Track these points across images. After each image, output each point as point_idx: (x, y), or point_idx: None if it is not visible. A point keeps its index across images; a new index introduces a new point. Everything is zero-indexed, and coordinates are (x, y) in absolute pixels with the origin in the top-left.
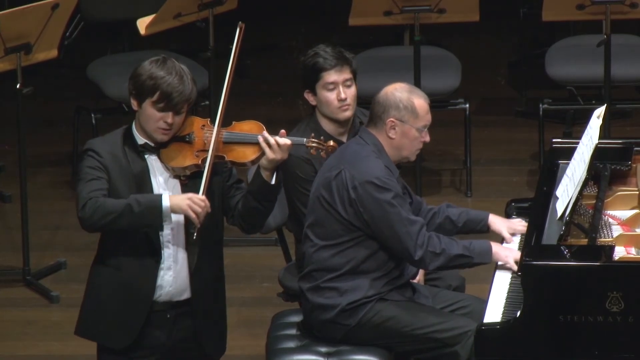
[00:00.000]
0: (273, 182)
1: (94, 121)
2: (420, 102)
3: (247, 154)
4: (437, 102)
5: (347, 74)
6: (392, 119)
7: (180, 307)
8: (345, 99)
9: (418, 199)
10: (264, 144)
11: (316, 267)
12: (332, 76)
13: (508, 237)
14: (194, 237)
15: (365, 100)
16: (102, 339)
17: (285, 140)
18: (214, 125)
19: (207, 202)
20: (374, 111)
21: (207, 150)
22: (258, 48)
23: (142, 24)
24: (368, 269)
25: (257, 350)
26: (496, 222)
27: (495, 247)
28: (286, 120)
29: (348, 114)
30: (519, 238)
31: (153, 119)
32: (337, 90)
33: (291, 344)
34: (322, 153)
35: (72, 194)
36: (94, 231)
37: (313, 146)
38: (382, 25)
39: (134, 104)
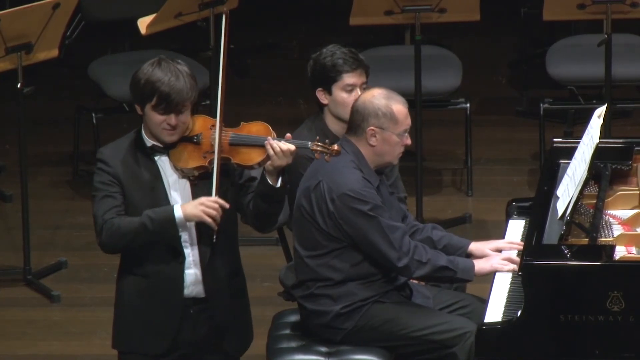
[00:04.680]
0: (278, 185)
1: (94, 121)
2: (398, 107)
3: (253, 157)
4: (437, 102)
5: (364, 78)
6: (372, 128)
7: (202, 303)
8: None
9: (403, 208)
10: (270, 150)
11: (306, 277)
12: (352, 78)
13: (505, 246)
14: (215, 239)
15: None
16: (141, 347)
17: (289, 146)
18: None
19: (219, 201)
20: (353, 119)
21: (214, 152)
22: (258, 48)
23: (143, 23)
24: (358, 276)
25: (258, 350)
26: (478, 246)
27: (477, 263)
28: (287, 119)
29: None
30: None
31: (156, 122)
32: (355, 93)
33: (292, 344)
34: (326, 157)
35: (73, 194)
36: (115, 253)
37: (318, 150)
38: (383, 24)
39: (137, 109)
